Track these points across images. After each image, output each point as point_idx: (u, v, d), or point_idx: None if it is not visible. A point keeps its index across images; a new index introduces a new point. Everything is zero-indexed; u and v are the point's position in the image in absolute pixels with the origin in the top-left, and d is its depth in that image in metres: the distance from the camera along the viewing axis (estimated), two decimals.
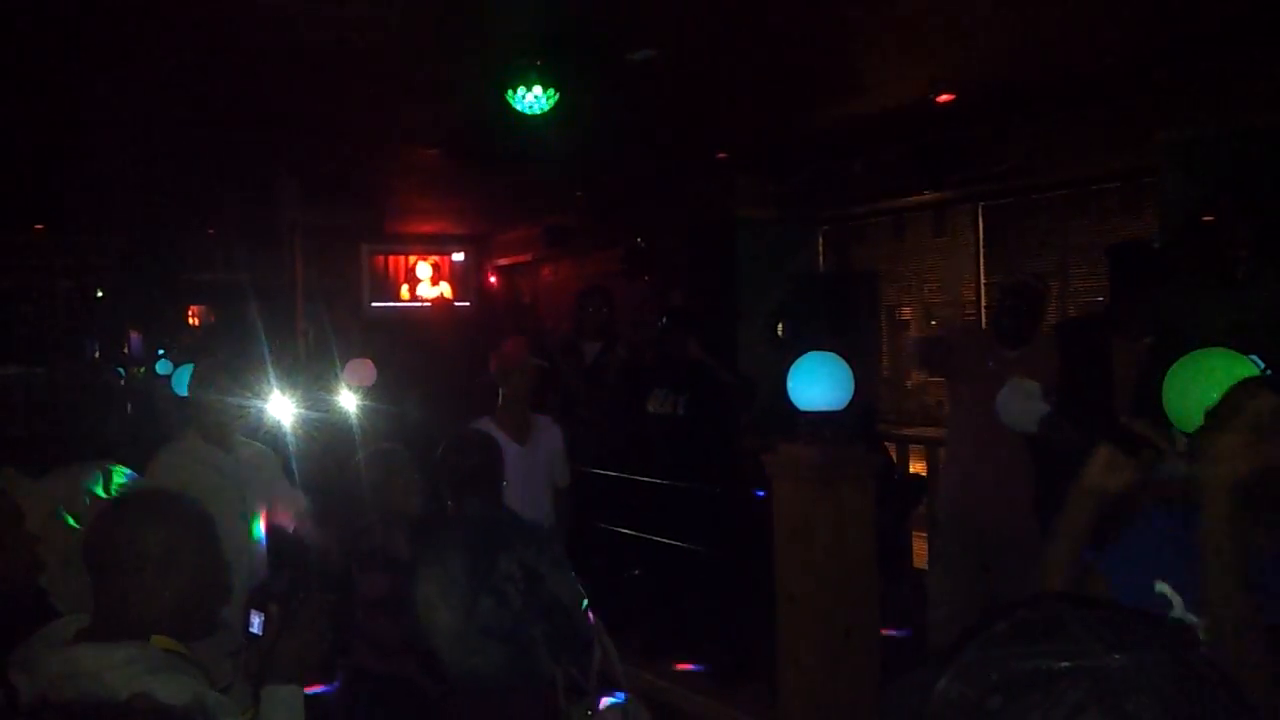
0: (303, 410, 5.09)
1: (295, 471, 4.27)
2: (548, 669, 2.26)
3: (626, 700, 2.36)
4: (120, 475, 3.05)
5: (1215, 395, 3.09)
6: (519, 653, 2.36)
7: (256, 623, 2.12)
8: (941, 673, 0.82)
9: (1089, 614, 0.82)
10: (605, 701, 2.43)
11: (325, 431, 5.33)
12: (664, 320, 6.29)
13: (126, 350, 12.38)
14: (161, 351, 10.87)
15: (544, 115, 5.44)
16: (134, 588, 1.95)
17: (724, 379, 5.96)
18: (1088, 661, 0.77)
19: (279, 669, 2.00)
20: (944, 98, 6.40)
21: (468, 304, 13.04)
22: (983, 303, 7.78)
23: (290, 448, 4.52)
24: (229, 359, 3.90)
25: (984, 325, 7.46)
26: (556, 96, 5.33)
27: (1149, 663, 0.77)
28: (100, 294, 12.16)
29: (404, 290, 12.73)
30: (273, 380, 4.45)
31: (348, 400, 5.71)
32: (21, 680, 1.88)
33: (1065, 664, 0.77)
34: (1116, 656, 0.77)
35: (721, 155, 8.33)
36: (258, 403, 3.77)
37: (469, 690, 2.30)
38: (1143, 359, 4.19)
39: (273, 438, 4.46)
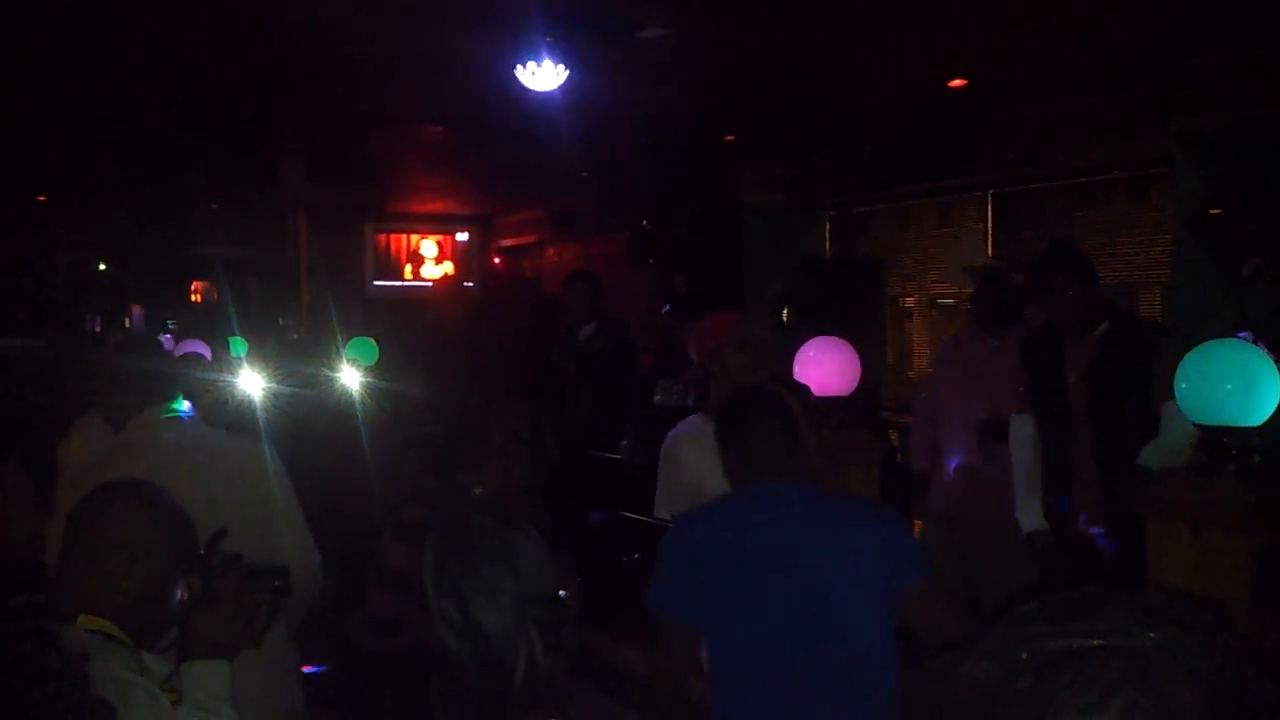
0: (295, 387, 5.07)
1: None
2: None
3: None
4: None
5: (1229, 385, 3.07)
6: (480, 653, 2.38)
7: None
8: (967, 653, 0.79)
9: (1121, 595, 0.79)
10: None
11: (325, 409, 5.31)
12: (667, 309, 6.25)
13: (128, 325, 12.34)
14: (172, 324, 10.85)
15: (552, 92, 5.39)
16: (95, 570, 1.94)
17: None
18: (1121, 641, 0.74)
19: (197, 644, 1.95)
20: (956, 83, 6.35)
21: (472, 284, 13.02)
22: None
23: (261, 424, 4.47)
24: (138, 342, 4.01)
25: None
26: (565, 73, 5.28)
27: (1184, 642, 0.74)
28: (102, 267, 12.13)
29: (407, 270, 12.69)
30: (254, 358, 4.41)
31: (349, 378, 5.68)
32: None
33: (1098, 643, 0.74)
34: (1151, 636, 0.74)
35: (729, 138, 8.28)
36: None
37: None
38: (1097, 346, 4.15)
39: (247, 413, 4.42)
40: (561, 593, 2.78)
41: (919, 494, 5.04)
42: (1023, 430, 4.29)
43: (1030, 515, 4.26)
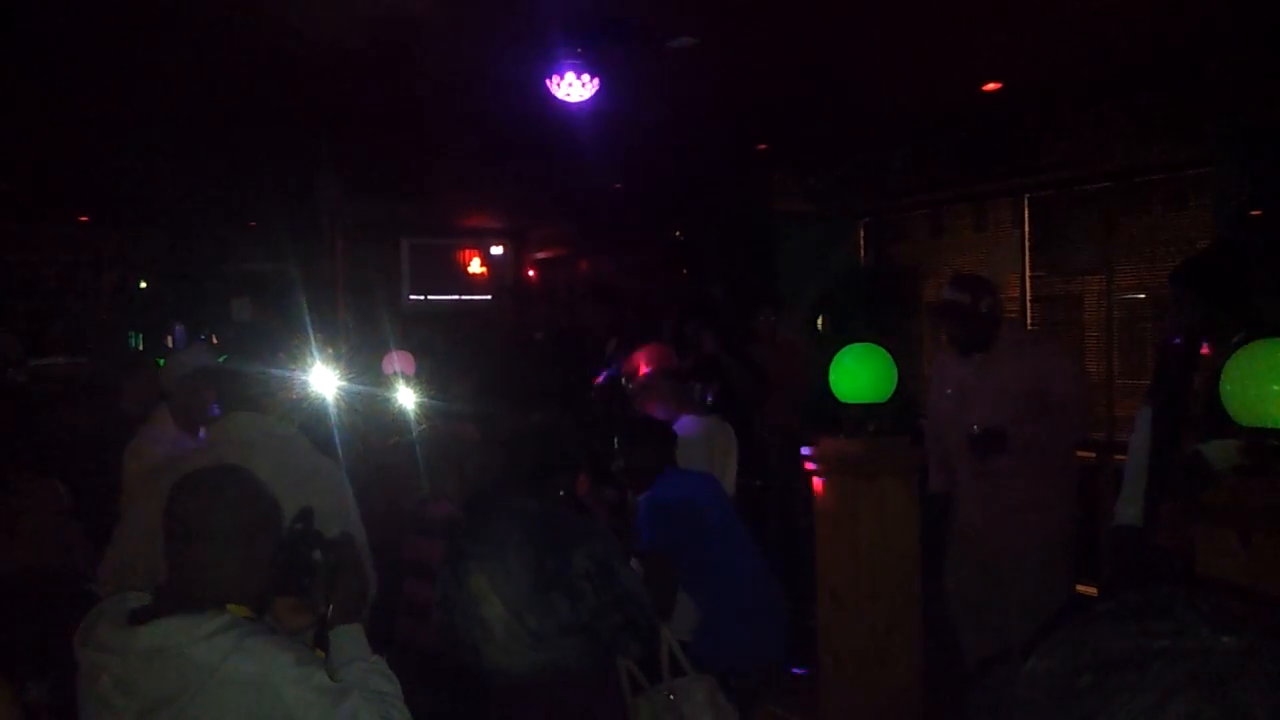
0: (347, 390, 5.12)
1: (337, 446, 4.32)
2: (618, 662, 2.29)
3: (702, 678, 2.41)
4: None
5: (1276, 386, 3.01)
6: (589, 646, 2.38)
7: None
8: (1031, 652, 0.77)
9: (1198, 596, 0.76)
10: (682, 681, 2.47)
11: (384, 422, 5.37)
12: (682, 315, 6.25)
13: (170, 342, 12.48)
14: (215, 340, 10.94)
15: (583, 104, 5.39)
16: (219, 557, 1.97)
17: (733, 373, 5.97)
18: (1191, 643, 0.71)
19: (343, 610, 2.06)
20: (990, 86, 6.30)
21: (507, 297, 13.05)
22: (1028, 297, 7.66)
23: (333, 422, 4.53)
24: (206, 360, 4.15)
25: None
26: (596, 85, 5.28)
27: (1262, 647, 0.71)
28: (143, 285, 12.28)
29: (442, 283, 12.75)
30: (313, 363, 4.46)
31: (404, 394, 5.73)
32: (100, 659, 1.91)
33: (1164, 644, 0.71)
34: (1225, 639, 0.71)
35: (762, 147, 8.26)
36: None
37: (538, 684, 2.31)
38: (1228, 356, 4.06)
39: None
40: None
41: (943, 515, 4.90)
42: (1142, 425, 4.21)
43: (1127, 508, 4.16)
